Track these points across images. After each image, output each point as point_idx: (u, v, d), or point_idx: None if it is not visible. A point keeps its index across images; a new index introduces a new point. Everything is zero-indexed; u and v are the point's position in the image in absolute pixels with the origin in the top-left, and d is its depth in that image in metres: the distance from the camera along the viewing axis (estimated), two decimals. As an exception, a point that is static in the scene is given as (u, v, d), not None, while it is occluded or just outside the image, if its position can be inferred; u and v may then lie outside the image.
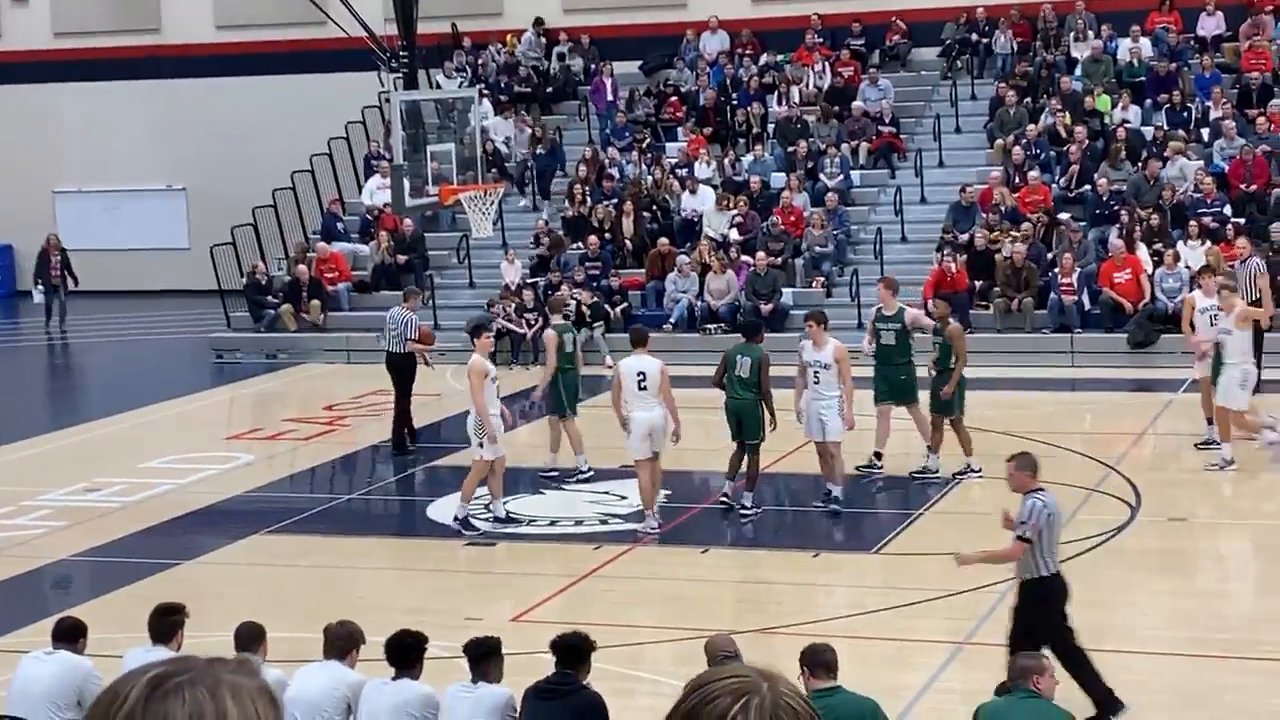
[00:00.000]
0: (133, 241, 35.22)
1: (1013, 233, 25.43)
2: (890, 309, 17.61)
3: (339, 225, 29.95)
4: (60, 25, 36.59)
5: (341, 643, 9.69)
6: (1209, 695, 11.54)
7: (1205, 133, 27.36)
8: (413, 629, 9.73)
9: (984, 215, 26.17)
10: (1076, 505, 16.41)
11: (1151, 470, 17.87)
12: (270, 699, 2.10)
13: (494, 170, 28.22)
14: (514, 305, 26.18)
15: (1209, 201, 25.33)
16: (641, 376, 15.84)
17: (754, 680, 2.22)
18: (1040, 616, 10.61)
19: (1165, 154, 26.52)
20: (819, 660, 8.58)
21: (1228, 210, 25.29)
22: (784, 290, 25.74)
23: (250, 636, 9.74)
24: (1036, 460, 11.18)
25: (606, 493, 17.43)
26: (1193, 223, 24.58)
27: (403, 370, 19.99)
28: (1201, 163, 26.40)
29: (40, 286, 31.62)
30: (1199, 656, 12.29)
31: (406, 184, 21.62)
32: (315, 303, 27.86)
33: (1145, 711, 11.39)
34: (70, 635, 10.07)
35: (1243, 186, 25.61)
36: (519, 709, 9.28)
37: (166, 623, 9.72)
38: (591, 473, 18.08)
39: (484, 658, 9.39)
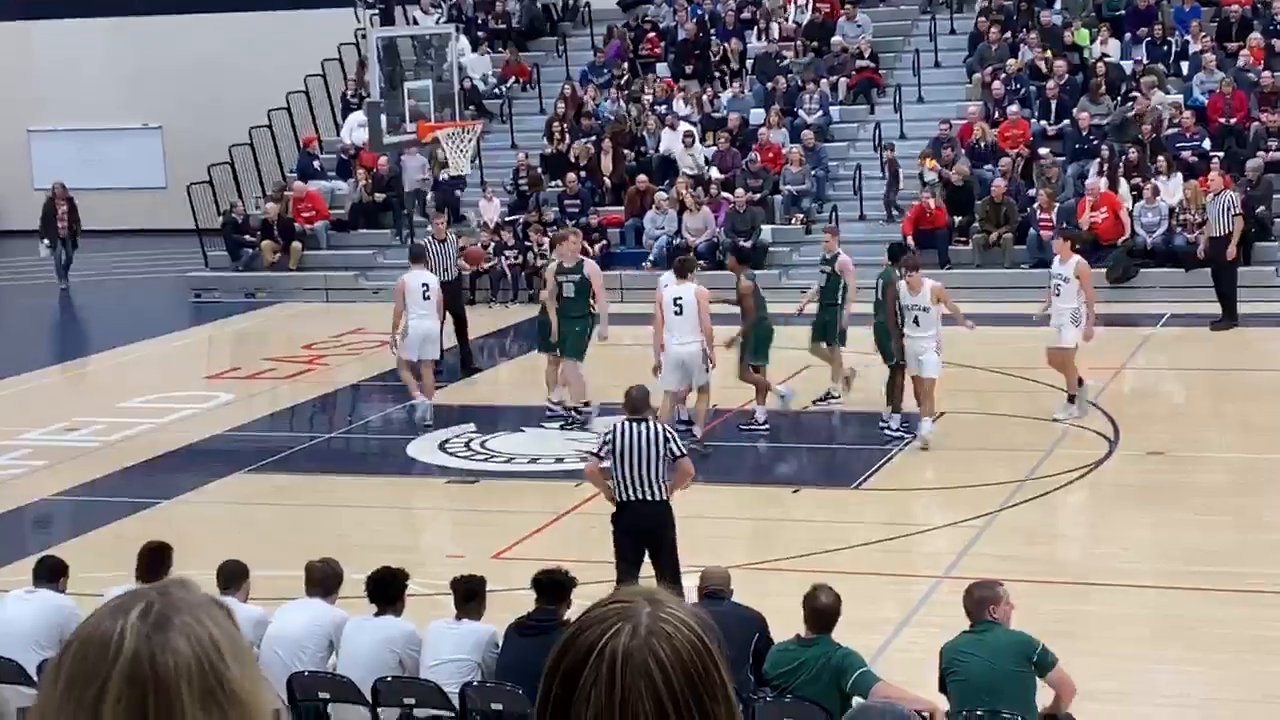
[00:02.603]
0: (109, 181, 34.97)
1: (931, 161, 25.50)
2: (830, 253, 17.83)
3: (315, 164, 29.79)
4: (33, -38, 36.22)
5: (323, 580, 9.73)
6: (1189, 627, 11.63)
7: (1185, 66, 27.31)
8: (394, 566, 9.76)
9: (964, 150, 26.13)
10: (1055, 439, 16.50)
11: (1130, 404, 17.93)
12: (225, 608, 2.09)
13: (471, 107, 28.07)
14: (493, 243, 26.10)
15: (1187, 135, 25.31)
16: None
17: (632, 606, 2.07)
18: None
19: (1143, 87, 26.43)
20: (809, 611, 8.71)
21: (1206, 144, 25.27)
22: (763, 227, 25.70)
23: (233, 575, 9.77)
24: None
25: (586, 430, 17.44)
26: (1161, 158, 24.56)
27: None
28: (1181, 97, 26.37)
29: (45, 241, 29.65)
30: (1178, 589, 12.38)
31: (384, 121, 21.52)
32: (295, 244, 27.75)
33: (1126, 644, 11.48)
34: (51, 574, 10.08)
35: (1221, 120, 25.59)
36: (500, 645, 9.33)
37: (154, 561, 9.73)
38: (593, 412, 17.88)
39: (470, 596, 9.43)
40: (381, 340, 19.79)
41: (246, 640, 2.06)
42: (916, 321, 16.30)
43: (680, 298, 16.15)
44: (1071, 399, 17.06)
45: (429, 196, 27.33)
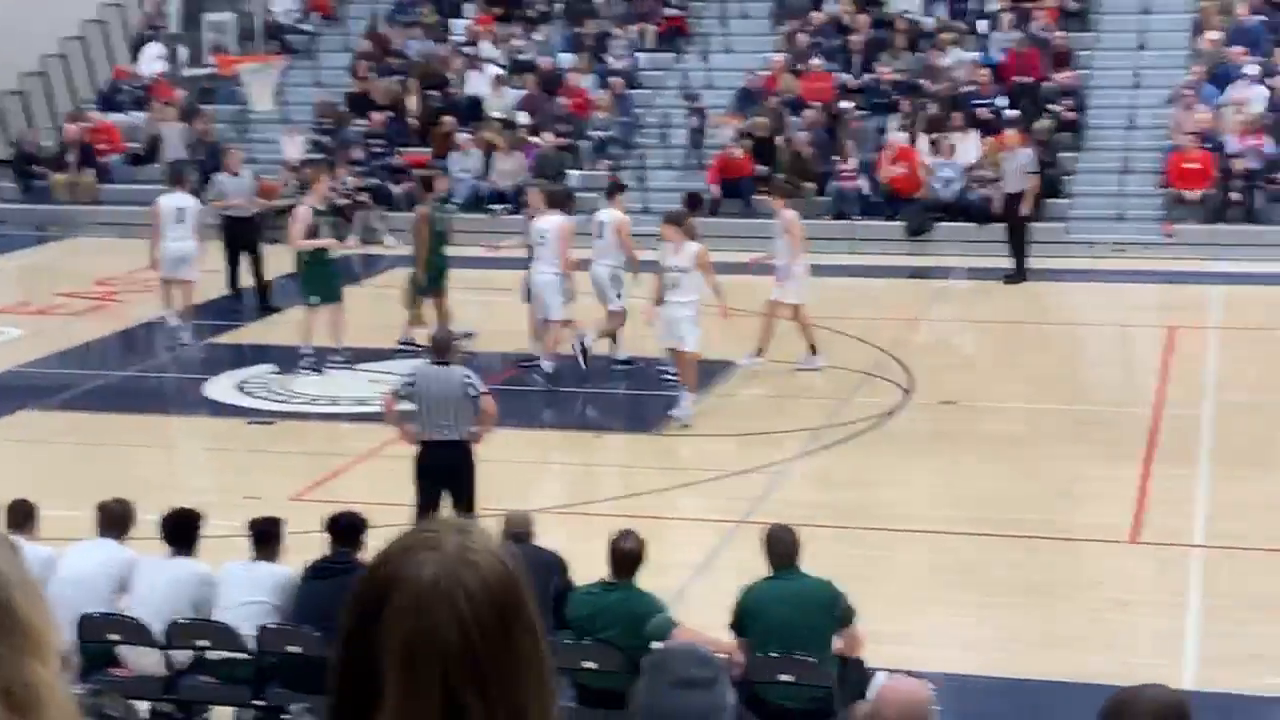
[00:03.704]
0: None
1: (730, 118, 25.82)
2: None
3: (118, 96, 29.01)
4: None
5: (115, 520, 9.56)
6: (975, 572, 11.98)
7: (983, 25, 27.85)
8: (189, 507, 9.63)
9: (768, 102, 26.37)
10: (852, 388, 16.82)
11: (924, 355, 18.33)
12: (9, 542, 2.06)
13: (274, 42, 27.55)
14: (295, 182, 25.69)
15: (984, 93, 25.85)
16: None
17: (439, 536, 2.07)
18: None
19: (942, 44, 26.92)
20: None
21: (1003, 102, 25.83)
22: (570, 172, 25.69)
23: (21, 514, 9.55)
24: None
25: (389, 373, 17.30)
26: (956, 114, 25.07)
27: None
28: (978, 55, 26.90)
29: None
30: (965, 534, 12.74)
31: (183, 54, 21.04)
32: (87, 177, 27.03)
33: (912, 586, 11.79)
34: None
35: (1017, 79, 26.16)
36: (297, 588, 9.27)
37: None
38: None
39: (266, 537, 9.35)
40: (143, 266, 20.16)
41: (32, 574, 2.04)
42: (676, 284, 15.54)
43: (545, 229, 16.70)
44: (814, 349, 17.31)
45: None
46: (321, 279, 17.76)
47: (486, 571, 2.04)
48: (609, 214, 17.36)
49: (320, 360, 17.76)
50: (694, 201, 18.23)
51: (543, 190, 18.24)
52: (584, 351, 16.97)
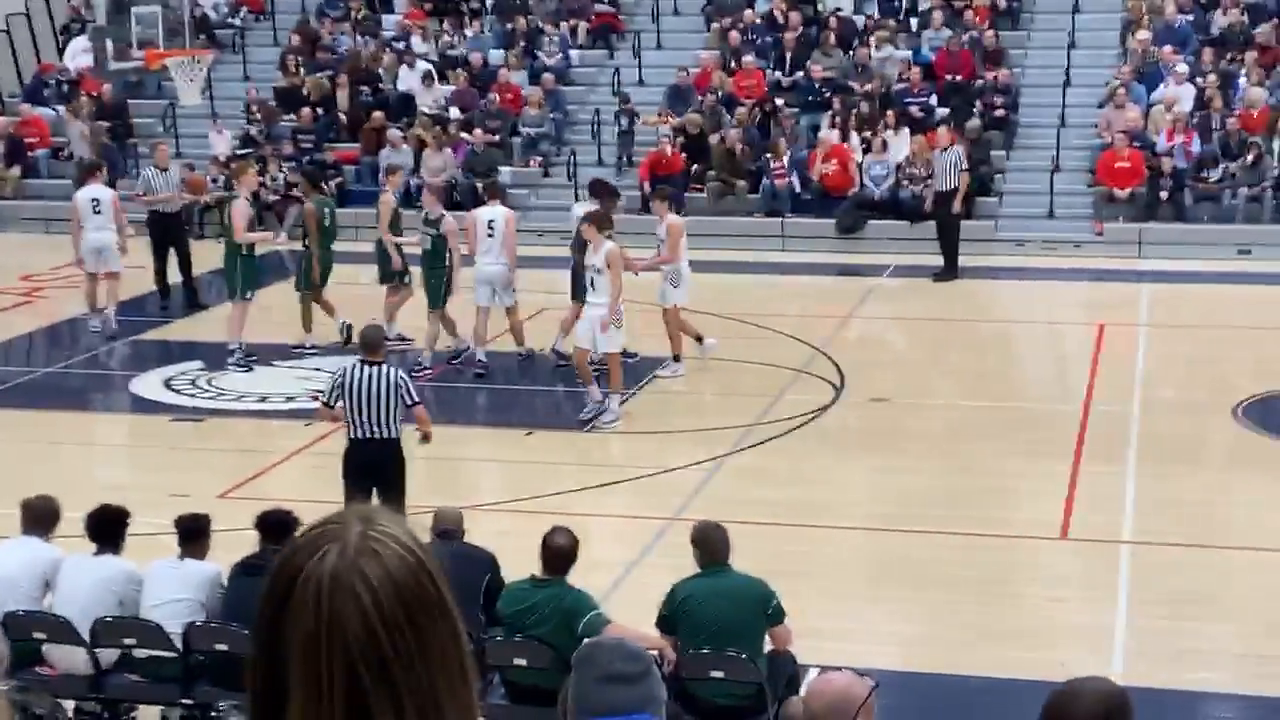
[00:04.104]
0: None
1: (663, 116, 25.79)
2: (434, 214, 17.29)
3: (44, 90, 28.66)
4: None
5: (40, 518, 9.41)
6: (903, 567, 12.00)
7: (914, 23, 27.97)
8: (115, 504, 9.50)
9: (700, 99, 26.38)
10: (784, 385, 16.83)
11: (855, 352, 18.38)
12: None
13: (202, 36, 27.30)
14: (222, 177, 25.46)
15: (915, 91, 25.96)
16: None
17: (342, 527, 2.02)
18: None
19: (874, 42, 27.04)
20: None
21: (934, 100, 25.96)
22: (501, 169, 25.60)
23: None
24: None
25: (318, 369, 17.20)
26: (890, 112, 25.18)
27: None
28: (910, 53, 27.01)
29: None
30: (895, 531, 12.77)
31: (110, 47, 20.82)
32: (13, 170, 26.70)
33: (845, 583, 11.81)
34: None
35: (948, 77, 26.30)
36: (225, 586, 9.17)
37: None
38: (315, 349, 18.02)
39: (193, 535, 9.24)
40: (66, 262, 20.25)
41: None
42: (593, 285, 15.46)
43: (493, 220, 16.97)
44: (677, 358, 17.14)
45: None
46: (255, 272, 17.72)
47: (390, 561, 1.99)
48: (496, 211, 17.23)
49: (249, 356, 17.64)
50: (602, 189, 17.70)
51: (486, 184, 18.62)
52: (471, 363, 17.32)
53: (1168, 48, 26.02)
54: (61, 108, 28.11)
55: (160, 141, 22.10)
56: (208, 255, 20.81)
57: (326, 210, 18.41)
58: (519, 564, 9.17)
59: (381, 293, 18.27)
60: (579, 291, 16.40)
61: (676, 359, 17.20)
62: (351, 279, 19.41)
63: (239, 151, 25.83)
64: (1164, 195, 23.75)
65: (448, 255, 17.06)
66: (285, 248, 21.91)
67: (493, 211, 17.25)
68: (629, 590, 11.10)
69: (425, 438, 11.78)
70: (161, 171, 20.56)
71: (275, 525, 9.18)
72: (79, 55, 28.51)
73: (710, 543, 8.77)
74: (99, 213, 19.04)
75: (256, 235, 17.85)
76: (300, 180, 19.39)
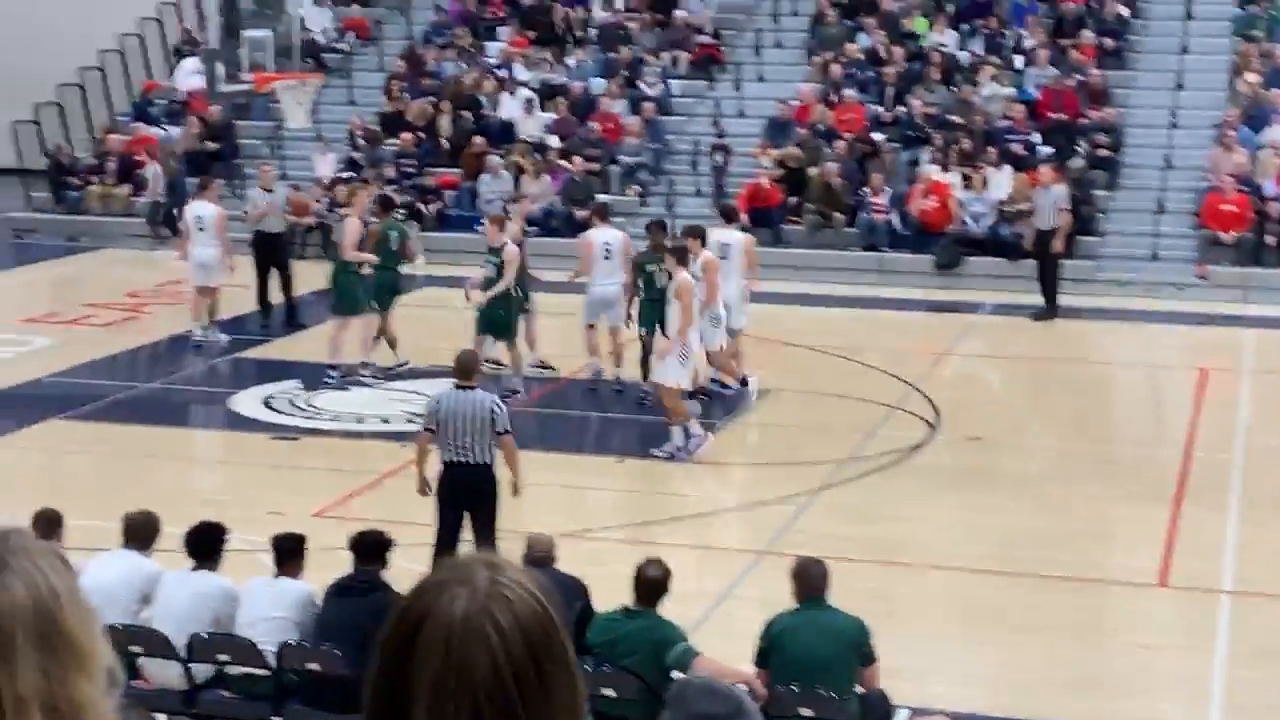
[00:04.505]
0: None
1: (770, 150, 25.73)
2: (496, 243, 17.13)
3: (150, 109, 29.14)
4: None
5: (140, 532, 9.54)
6: (995, 609, 11.89)
7: (1019, 60, 27.82)
8: (213, 521, 9.61)
9: (799, 132, 26.37)
10: (878, 421, 16.75)
11: (951, 389, 18.25)
12: (63, 558, 2.06)
13: (311, 61, 27.63)
14: (327, 200, 25.75)
15: (1018, 129, 25.79)
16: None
17: (469, 571, 2.05)
18: None
19: (978, 79, 26.93)
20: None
21: (1037, 139, 25.78)
22: (599, 197, 25.68)
23: (47, 523, 9.53)
24: None
25: (415, 392, 17.33)
26: (990, 149, 25.04)
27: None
28: (1014, 90, 26.85)
29: None
30: (992, 572, 12.64)
31: (221, 69, 21.13)
32: (123, 187, 27.15)
33: (934, 623, 11.72)
34: None
35: (1052, 115, 26.11)
36: (319, 605, 9.24)
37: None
38: (404, 365, 18.16)
39: (289, 553, 9.32)
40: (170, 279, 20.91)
41: (83, 590, 2.04)
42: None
43: (609, 242, 17.46)
44: (744, 382, 17.18)
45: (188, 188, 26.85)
46: (361, 291, 17.87)
47: (519, 607, 2.03)
48: (611, 234, 17.75)
49: (348, 376, 17.81)
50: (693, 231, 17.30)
51: (594, 206, 19.08)
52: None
53: (1276, 90, 25.70)
54: (172, 128, 28.57)
55: (266, 163, 22.43)
56: (309, 275, 21.05)
57: (393, 234, 18.48)
58: (609, 592, 9.18)
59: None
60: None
61: (744, 383, 17.15)
62: (445, 302, 19.55)
63: (344, 175, 26.11)
64: (1270, 240, 23.43)
65: (511, 284, 16.89)
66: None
67: (607, 234, 17.64)
68: (718, 623, 11.07)
69: (515, 490, 11.65)
70: (266, 192, 20.85)
71: (370, 546, 9.26)
72: (189, 76, 28.96)
73: (809, 577, 8.74)
74: (203, 229, 19.56)
75: (364, 255, 17.99)
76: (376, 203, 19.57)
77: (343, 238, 18.03)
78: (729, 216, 18.45)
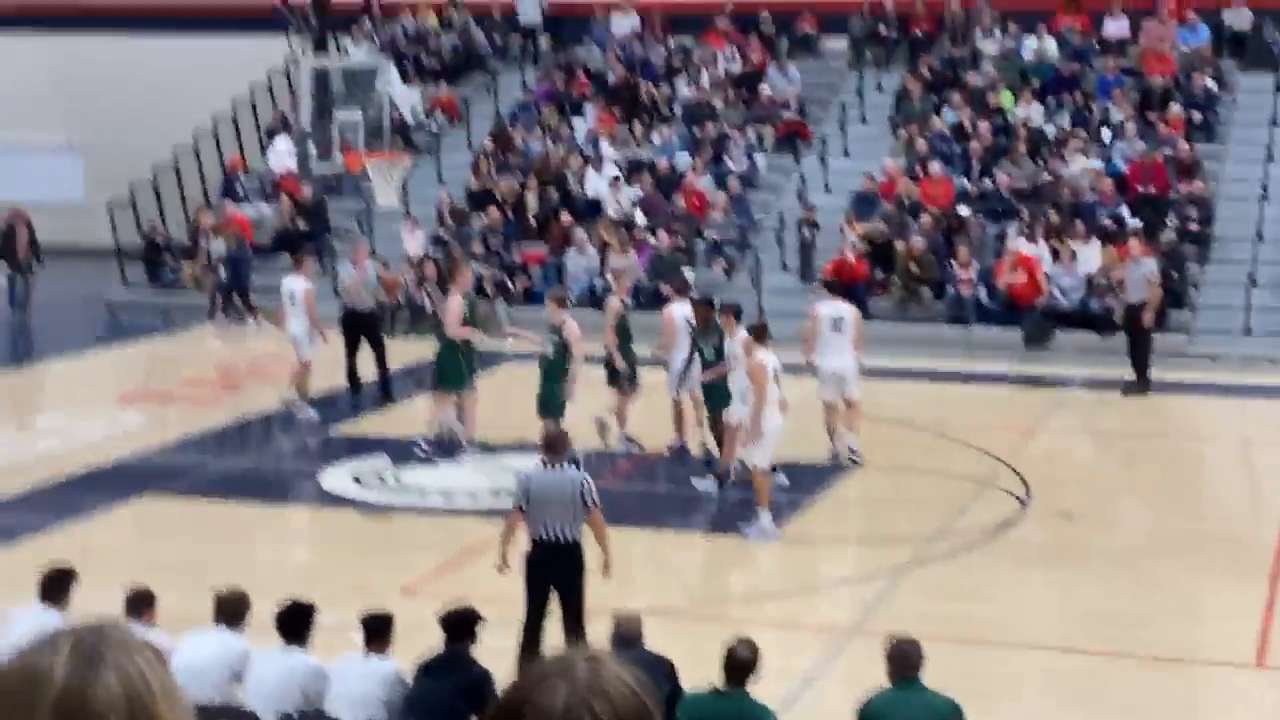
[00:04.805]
0: (28, 195, 34.54)
1: (857, 226, 25.65)
2: (556, 320, 16.99)
3: (237, 188, 29.62)
4: (-42, -27, 35.89)
5: (230, 609, 9.61)
6: (1093, 691, 11.72)
7: (1106, 134, 27.72)
8: (302, 598, 9.67)
9: (885, 206, 26.37)
10: (967, 497, 16.61)
11: (1042, 465, 18.09)
12: (157, 650, 2.09)
13: (400, 140, 28.02)
14: (416, 277, 26.01)
15: (1106, 202, 25.67)
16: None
17: (569, 663, 2.08)
18: None
19: (1065, 153, 26.85)
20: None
21: (1125, 212, 25.64)
22: (685, 271, 25.76)
23: (139, 600, 9.64)
24: None
25: (501, 467, 17.38)
26: (1079, 222, 24.92)
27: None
28: (1101, 164, 26.75)
29: (3, 262, 28.39)
30: (1083, 652, 12.47)
31: (313, 149, 21.49)
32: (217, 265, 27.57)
33: (1029, 705, 11.56)
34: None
35: (1140, 189, 25.97)
36: (407, 683, 9.26)
37: (58, 584, 9.59)
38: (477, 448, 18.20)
39: (377, 631, 9.36)
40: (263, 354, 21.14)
41: (176, 681, 2.06)
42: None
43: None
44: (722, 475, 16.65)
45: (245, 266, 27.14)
46: (465, 367, 18.00)
47: (618, 701, 2.04)
48: (842, 308, 17.77)
49: (442, 449, 17.89)
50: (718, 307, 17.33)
51: (674, 283, 19.02)
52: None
53: (1369, 161, 25.44)
54: (265, 204, 29.03)
55: (360, 241, 22.71)
56: (398, 352, 21.24)
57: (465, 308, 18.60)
58: (696, 672, 9.13)
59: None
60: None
61: (720, 480, 16.59)
62: (531, 377, 19.56)
63: (429, 253, 26.38)
64: (1365, 312, 23.14)
65: (569, 362, 16.78)
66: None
67: (689, 309, 17.22)
68: (809, 704, 10.99)
69: (606, 569, 11.64)
70: (358, 269, 21.09)
71: (459, 623, 9.28)
72: (282, 156, 29.44)
73: (905, 657, 8.67)
74: (294, 304, 20.04)
75: (468, 331, 18.05)
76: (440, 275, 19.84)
77: (445, 314, 18.16)
78: (835, 290, 18.62)
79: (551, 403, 16.89)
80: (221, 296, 26.77)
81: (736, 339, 16.14)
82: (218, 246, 27.38)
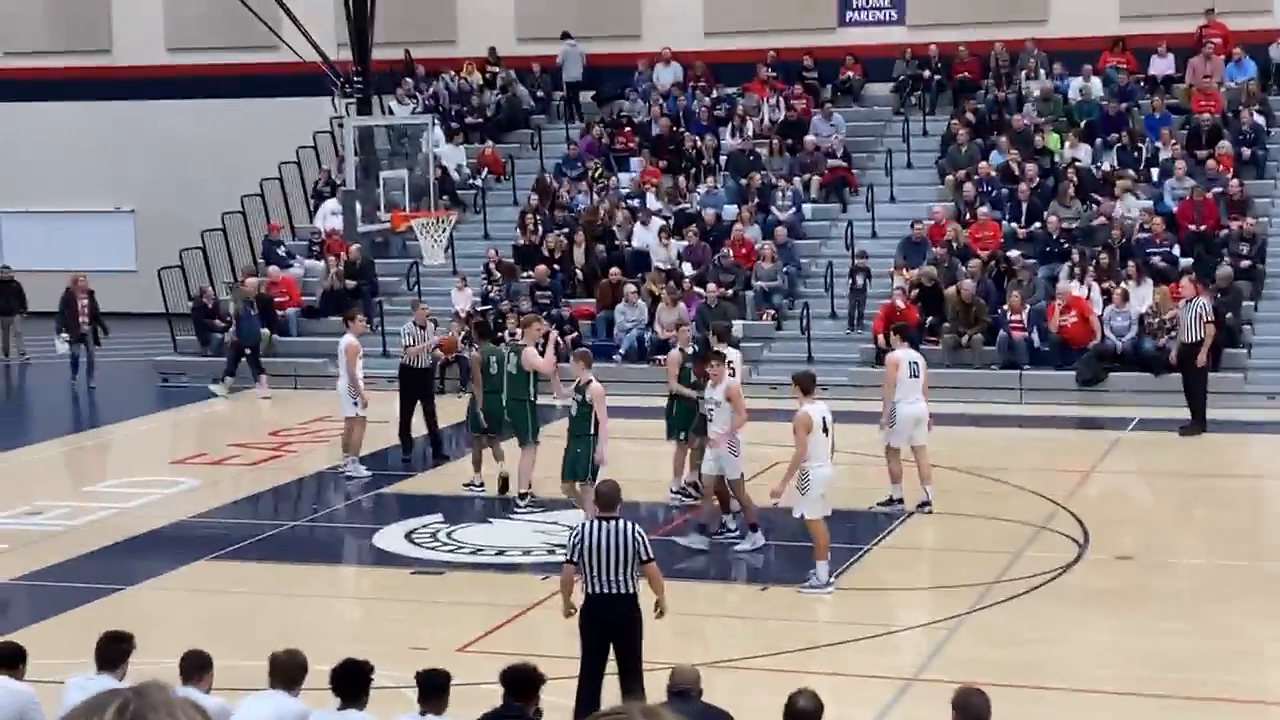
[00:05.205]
0: (79, 263, 34.78)
1: (906, 272, 25.62)
2: (581, 379, 16.72)
3: (280, 250, 29.78)
4: (10, 45, 36.35)
5: (287, 671, 9.57)
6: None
7: (1155, 173, 27.57)
8: (358, 658, 9.63)
9: (934, 251, 26.28)
10: (1025, 541, 16.46)
11: (1099, 508, 17.92)
12: (201, 709, 2.07)
13: (445, 197, 28.14)
14: (464, 333, 26.05)
15: (1157, 241, 25.51)
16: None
17: (629, 717, 2.11)
18: None
19: (1115, 192, 26.71)
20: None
21: (1176, 251, 25.47)
22: (734, 322, 25.74)
23: (196, 665, 9.61)
24: None
25: (554, 523, 17.35)
26: (1131, 264, 24.77)
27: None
28: (1151, 203, 26.60)
29: (65, 335, 27.94)
30: (1141, 695, 12.31)
31: (359, 209, 21.60)
32: (265, 329, 27.69)
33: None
34: (10, 661, 9.89)
35: (1191, 227, 25.80)
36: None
37: (114, 650, 9.57)
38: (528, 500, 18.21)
39: (434, 690, 9.30)
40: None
41: None
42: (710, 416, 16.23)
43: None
44: (754, 527, 16.33)
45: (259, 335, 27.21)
46: (534, 421, 18.31)
47: None
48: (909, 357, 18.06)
49: (536, 502, 18.15)
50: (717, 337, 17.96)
51: (715, 327, 18.87)
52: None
53: None
54: (316, 263, 29.19)
55: (421, 303, 22.88)
56: (450, 409, 21.27)
57: (493, 359, 18.73)
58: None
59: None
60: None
61: (754, 528, 16.36)
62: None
63: (481, 309, 26.46)
64: None
65: (594, 423, 16.53)
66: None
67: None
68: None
69: (660, 612, 11.61)
70: (420, 329, 21.19)
71: (519, 680, 9.22)
72: (329, 217, 29.63)
73: (972, 708, 8.56)
74: (339, 361, 20.12)
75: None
76: (471, 329, 19.92)
77: (528, 363, 18.22)
78: (907, 336, 18.97)
79: (577, 465, 16.72)
80: (231, 358, 26.81)
81: (722, 385, 16.06)
82: (228, 306, 27.55)
